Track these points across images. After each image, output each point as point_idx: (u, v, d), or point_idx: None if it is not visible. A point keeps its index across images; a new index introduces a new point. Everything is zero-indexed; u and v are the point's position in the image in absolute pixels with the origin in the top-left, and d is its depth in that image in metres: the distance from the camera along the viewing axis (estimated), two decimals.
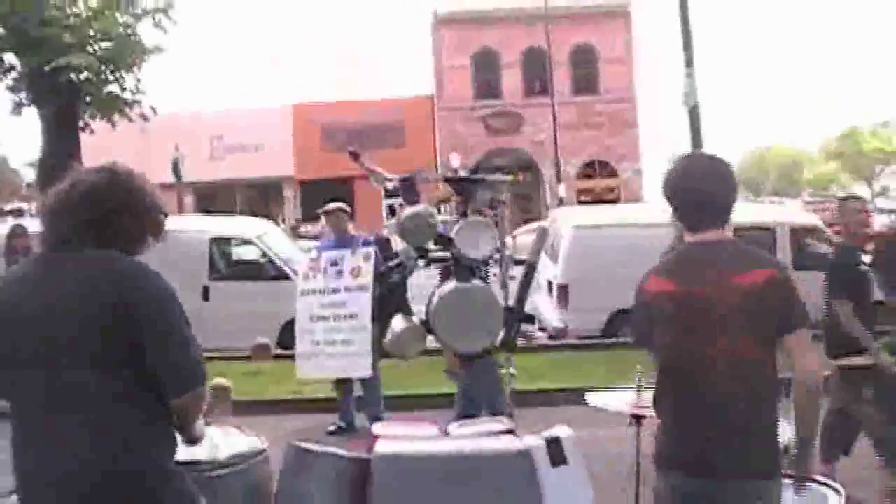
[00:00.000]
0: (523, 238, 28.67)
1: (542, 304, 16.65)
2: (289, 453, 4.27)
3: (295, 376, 10.03)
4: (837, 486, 4.38)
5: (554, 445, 4.11)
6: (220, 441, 4.48)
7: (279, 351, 13.51)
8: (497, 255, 5.07)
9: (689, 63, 15.43)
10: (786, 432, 4.06)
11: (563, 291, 14.99)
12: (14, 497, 3.27)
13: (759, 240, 15.86)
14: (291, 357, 9.77)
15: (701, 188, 3.95)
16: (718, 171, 4.02)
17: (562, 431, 4.21)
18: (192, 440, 3.45)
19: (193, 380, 3.22)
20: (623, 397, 4.74)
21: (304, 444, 4.27)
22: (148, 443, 3.20)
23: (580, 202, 45.09)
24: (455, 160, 46.10)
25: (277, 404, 10.82)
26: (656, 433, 4.01)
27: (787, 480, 3.85)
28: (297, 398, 11.05)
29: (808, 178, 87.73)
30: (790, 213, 22.15)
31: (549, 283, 16.23)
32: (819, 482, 4.38)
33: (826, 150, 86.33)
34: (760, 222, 16.53)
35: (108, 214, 3.31)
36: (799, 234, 16.13)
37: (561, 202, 41.11)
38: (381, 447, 4.19)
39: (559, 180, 43.83)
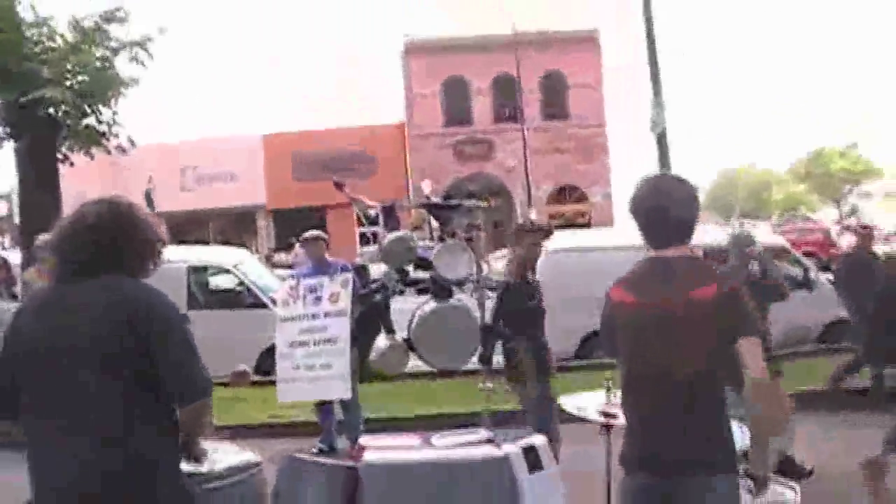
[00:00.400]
0: (496, 263, 28.99)
1: None
2: (284, 463, 4.54)
3: (274, 402, 10.24)
4: (793, 484, 4.68)
5: (530, 453, 4.41)
6: (216, 455, 4.75)
7: (257, 378, 13.70)
8: (473, 277, 5.35)
9: (657, 92, 15.77)
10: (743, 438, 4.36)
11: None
12: None
13: (726, 261, 16.28)
14: (270, 383, 10.00)
15: (665, 207, 4.22)
16: (682, 191, 4.31)
17: (537, 440, 4.52)
18: (197, 457, 3.74)
19: (202, 390, 3.52)
20: (594, 399, 5.04)
21: (298, 455, 4.56)
22: (157, 451, 3.48)
23: None
24: (427, 187, 46.24)
25: (258, 428, 11.01)
26: (624, 434, 4.31)
27: (746, 480, 4.17)
28: (277, 422, 11.24)
29: (778, 199, 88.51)
30: (755, 235, 22.54)
31: None
32: (776, 481, 4.69)
33: (794, 172, 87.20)
34: (723, 245, 16.90)
35: (116, 243, 3.61)
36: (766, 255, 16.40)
37: None
38: (369, 456, 4.49)
39: (530, 205, 44.20)
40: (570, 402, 5.22)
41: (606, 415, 4.65)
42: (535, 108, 49.52)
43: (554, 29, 50.08)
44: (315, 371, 9.69)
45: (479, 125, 51.89)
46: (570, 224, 46.60)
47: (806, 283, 16.06)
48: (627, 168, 53.60)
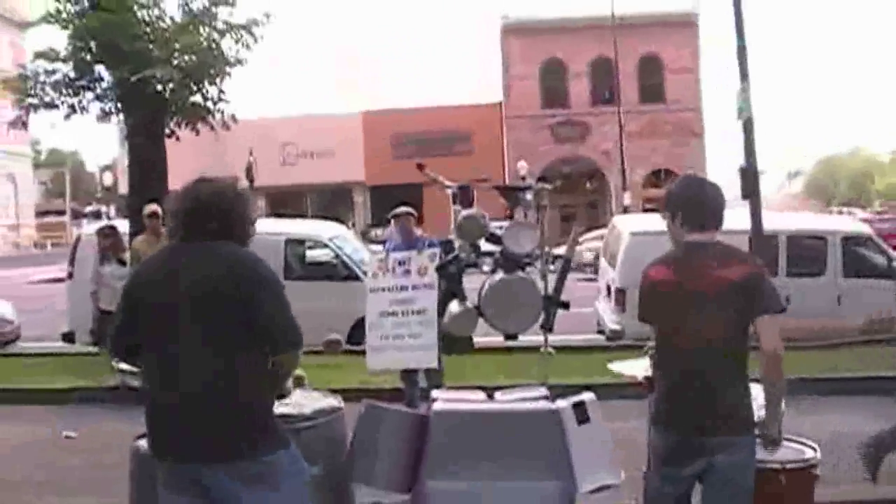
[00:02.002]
0: (589, 244, 29.29)
1: (602, 308, 17.37)
2: (363, 410, 5.17)
3: (363, 369, 10.78)
4: (813, 443, 5.19)
5: (579, 407, 4.99)
6: (305, 401, 5.44)
7: (349, 347, 14.24)
8: (538, 252, 5.94)
9: (743, 77, 15.84)
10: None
11: (621, 295, 15.59)
12: None
13: (812, 247, 16.50)
14: (361, 352, 10.53)
15: (703, 197, 4.90)
16: (714, 187, 4.99)
17: (587, 396, 5.09)
18: (283, 394, 4.41)
19: (295, 340, 4.17)
20: (639, 364, 5.61)
21: (375, 403, 5.21)
22: (263, 388, 4.17)
23: (645, 210, 45.40)
24: (523, 168, 46.81)
25: (347, 393, 11.56)
26: (654, 396, 4.91)
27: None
28: (365, 388, 11.78)
29: (880, 188, 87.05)
30: (842, 222, 22.56)
31: (608, 287, 16.94)
32: (794, 440, 5.21)
33: None
34: (813, 231, 17.12)
35: (230, 216, 4.29)
36: (850, 243, 16.56)
37: (626, 210, 41.45)
38: (438, 406, 5.14)
39: (625, 189, 44.25)
40: (619, 366, 5.81)
41: (649, 379, 5.22)
42: (631, 91, 49.56)
43: (652, 11, 49.95)
44: (404, 340, 10.20)
45: (575, 107, 52.14)
46: None
47: (890, 272, 16.25)
48: (722, 152, 53.25)
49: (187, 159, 17.28)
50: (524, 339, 6.56)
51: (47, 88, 15.75)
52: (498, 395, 5.59)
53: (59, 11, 15.59)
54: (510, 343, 7.48)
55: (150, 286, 4.22)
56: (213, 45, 15.94)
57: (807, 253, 16.41)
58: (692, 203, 4.87)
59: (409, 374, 10.72)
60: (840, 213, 54.55)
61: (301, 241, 17.13)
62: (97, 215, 57.31)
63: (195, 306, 4.05)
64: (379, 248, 16.80)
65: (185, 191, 4.36)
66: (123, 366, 5.79)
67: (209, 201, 4.27)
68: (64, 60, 15.64)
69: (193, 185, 4.35)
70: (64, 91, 15.77)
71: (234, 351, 4.04)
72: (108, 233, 13.66)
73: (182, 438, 4.07)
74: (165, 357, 4.11)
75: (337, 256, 16.48)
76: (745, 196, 15.39)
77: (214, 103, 16.28)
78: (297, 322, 4.16)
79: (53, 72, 15.75)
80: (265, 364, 4.13)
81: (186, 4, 16.08)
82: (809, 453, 5.08)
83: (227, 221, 4.27)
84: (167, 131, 16.07)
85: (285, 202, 48.84)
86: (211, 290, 4.06)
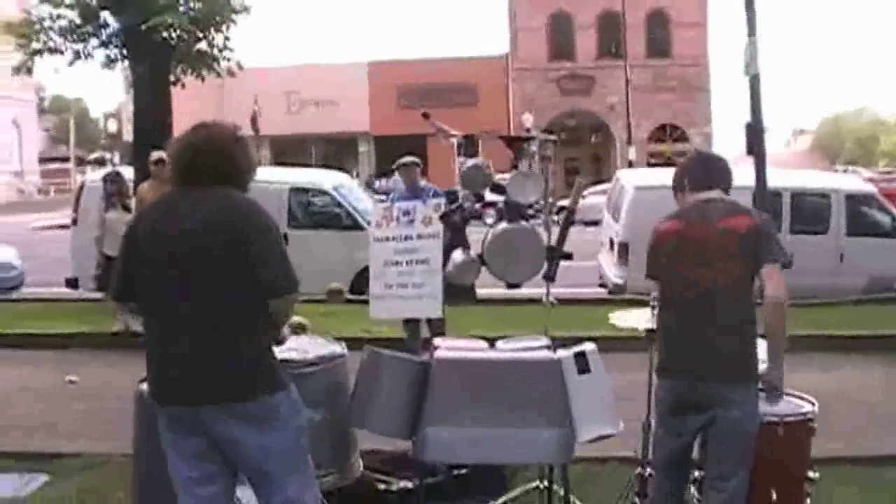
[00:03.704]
0: (593, 198, 29.24)
1: (604, 261, 17.41)
2: (365, 355, 5.23)
3: (366, 318, 10.84)
4: (812, 398, 5.24)
5: (580, 357, 5.05)
6: (308, 346, 5.49)
7: (351, 296, 14.30)
8: (542, 202, 5.97)
9: (751, 31, 15.65)
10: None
11: (624, 249, 15.65)
12: None
13: (815, 205, 16.50)
14: (363, 302, 10.58)
15: (710, 163, 5.15)
16: (721, 158, 5.23)
17: (588, 346, 5.15)
18: (280, 341, 4.49)
19: (290, 286, 4.19)
20: (641, 315, 5.65)
21: (377, 349, 5.27)
22: (259, 332, 4.18)
23: (650, 165, 45.32)
24: (528, 120, 46.74)
25: (349, 341, 11.63)
26: (658, 346, 4.98)
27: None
28: (367, 336, 11.85)
29: (885, 149, 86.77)
30: (846, 180, 22.52)
31: (611, 241, 16.96)
32: (794, 395, 5.26)
33: None
34: (817, 188, 17.09)
35: (231, 163, 4.29)
36: (854, 202, 16.55)
37: (631, 165, 41.46)
38: (440, 353, 5.19)
39: (630, 143, 44.18)
40: (620, 317, 5.86)
41: (650, 331, 5.27)
42: (638, 45, 49.25)
43: None
44: (408, 290, 10.25)
45: (582, 61, 51.90)
46: (669, 163, 46.53)
47: (893, 231, 16.26)
48: (729, 107, 53.18)
49: (192, 106, 17.24)
50: (527, 290, 6.61)
51: (52, 34, 15.70)
52: (499, 343, 5.65)
53: None
54: (513, 294, 7.53)
55: (147, 232, 4.24)
56: None
57: (810, 211, 16.42)
58: (699, 168, 5.08)
59: (411, 324, 10.78)
60: (845, 171, 54.36)
61: (305, 190, 17.14)
62: (101, 162, 57.27)
63: (190, 252, 4.07)
64: (383, 198, 16.81)
65: (184, 137, 4.37)
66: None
67: (206, 147, 4.27)
68: (69, 6, 15.57)
69: (192, 131, 4.35)
70: (69, 37, 15.72)
71: (228, 296, 4.08)
72: (114, 179, 13.67)
73: (181, 382, 4.12)
74: (162, 302, 4.15)
75: (340, 206, 16.51)
76: (749, 152, 15.34)
77: (220, 51, 16.24)
78: (291, 268, 4.18)
79: (59, 17, 15.69)
80: (261, 309, 4.15)
81: None
82: (807, 407, 5.12)
83: (225, 168, 4.27)
84: (172, 79, 16.03)
85: (290, 151, 48.81)
86: (206, 235, 4.08)
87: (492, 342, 5.70)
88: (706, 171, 5.02)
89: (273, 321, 4.27)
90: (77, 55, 15.83)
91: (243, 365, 4.11)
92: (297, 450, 4.24)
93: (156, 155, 12.73)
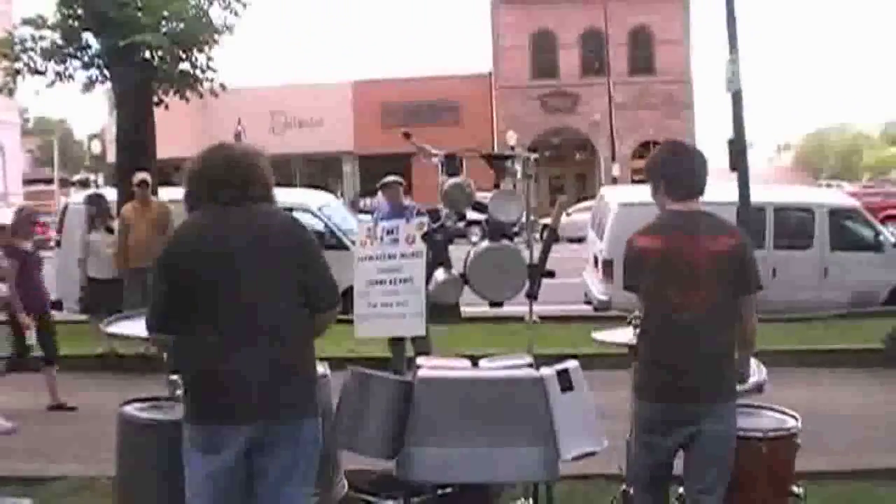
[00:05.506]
0: (577, 215, 29.28)
1: (589, 279, 17.43)
2: (349, 376, 5.22)
3: (351, 338, 10.81)
4: (795, 413, 5.25)
5: (563, 375, 5.04)
6: None
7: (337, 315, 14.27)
8: (522, 222, 6.00)
9: (732, 48, 15.81)
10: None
11: (608, 266, 15.58)
12: None
13: (799, 220, 16.57)
14: (348, 321, 10.59)
15: (689, 167, 4.94)
16: (700, 155, 5.03)
17: (570, 364, 5.14)
18: None
19: (336, 300, 4.38)
20: (623, 333, 5.64)
21: (361, 369, 5.26)
22: (312, 343, 4.33)
23: (634, 182, 45.37)
24: (512, 138, 46.81)
25: (335, 361, 11.61)
26: (637, 366, 4.99)
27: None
28: (353, 356, 11.82)
29: (869, 163, 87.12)
30: (830, 195, 22.62)
31: (596, 258, 16.98)
32: (777, 410, 5.28)
33: (887, 135, 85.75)
34: (800, 203, 17.17)
35: (258, 178, 4.38)
36: (838, 216, 16.62)
37: (615, 181, 41.50)
38: (423, 373, 5.19)
39: (614, 160, 44.28)
40: (602, 335, 5.87)
41: (631, 347, 5.28)
42: (621, 62, 49.40)
43: None
44: (392, 308, 10.26)
45: (565, 78, 52.03)
46: None
47: (876, 245, 16.35)
48: (713, 124, 53.42)
49: (175, 128, 17.19)
50: (510, 308, 6.62)
51: (34, 55, 15.68)
52: (483, 362, 5.65)
53: None
54: (497, 313, 7.53)
55: (197, 254, 4.17)
56: (202, 13, 15.91)
57: (794, 225, 16.51)
58: (676, 174, 4.92)
59: (396, 343, 10.78)
60: (829, 186, 54.56)
61: (290, 210, 17.04)
62: (85, 184, 57.03)
63: (255, 266, 4.12)
64: (367, 217, 16.80)
65: (215, 155, 4.40)
66: (112, 329, 5.82)
67: (249, 164, 4.37)
68: (52, 27, 15.56)
69: (226, 151, 4.44)
70: (51, 58, 15.69)
71: (292, 309, 4.17)
72: (96, 201, 13.63)
73: (242, 398, 4.06)
74: (227, 321, 4.10)
75: (325, 225, 16.49)
76: (733, 168, 15.40)
77: (203, 71, 16.25)
78: (335, 281, 4.36)
79: (42, 38, 15.67)
80: (311, 321, 4.27)
81: None
82: (791, 422, 5.14)
83: (266, 184, 4.40)
84: (155, 99, 16.02)
85: (274, 171, 48.43)
86: (269, 249, 4.17)
87: (475, 361, 5.71)
88: (683, 181, 4.89)
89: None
90: (58, 76, 15.82)
91: (309, 379, 4.27)
92: (313, 470, 4.33)
93: (139, 176, 12.73)
